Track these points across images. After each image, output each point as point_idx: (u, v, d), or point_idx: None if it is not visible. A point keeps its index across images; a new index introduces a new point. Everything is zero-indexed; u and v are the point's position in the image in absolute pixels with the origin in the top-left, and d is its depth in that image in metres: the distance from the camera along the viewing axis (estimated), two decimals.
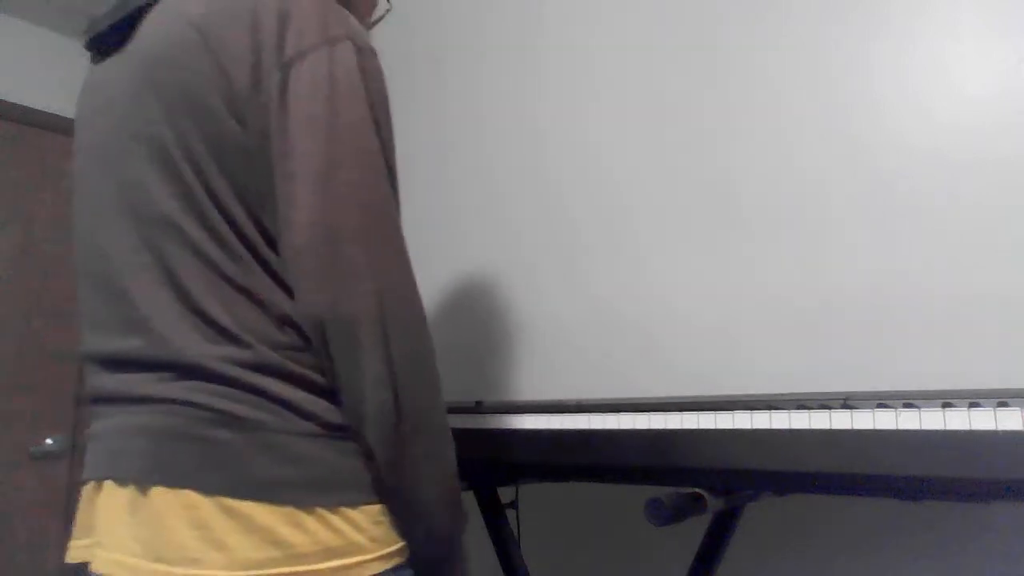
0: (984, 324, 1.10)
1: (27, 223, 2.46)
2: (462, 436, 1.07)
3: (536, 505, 1.59)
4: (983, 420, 0.64)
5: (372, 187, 0.70)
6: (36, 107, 2.50)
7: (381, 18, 1.03)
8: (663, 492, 0.79)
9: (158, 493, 0.65)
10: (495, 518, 1.31)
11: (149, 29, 0.75)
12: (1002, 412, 0.64)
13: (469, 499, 1.34)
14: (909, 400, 0.73)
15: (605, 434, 0.89)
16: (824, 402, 0.77)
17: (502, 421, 1.05)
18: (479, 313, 1.82)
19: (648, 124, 1.56)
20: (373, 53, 0.73)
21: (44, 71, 2.56)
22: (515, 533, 1.33)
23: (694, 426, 0.81)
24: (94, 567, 0.67)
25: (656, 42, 1.57)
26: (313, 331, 0.67)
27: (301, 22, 0.69)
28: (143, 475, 0.66)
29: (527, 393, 1.65)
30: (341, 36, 0.70)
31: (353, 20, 0.75)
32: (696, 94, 1.49)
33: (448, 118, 1.99)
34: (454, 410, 1.14)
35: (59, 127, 2.56)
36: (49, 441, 2.39)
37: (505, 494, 1.34)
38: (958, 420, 0.66)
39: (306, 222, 0.66)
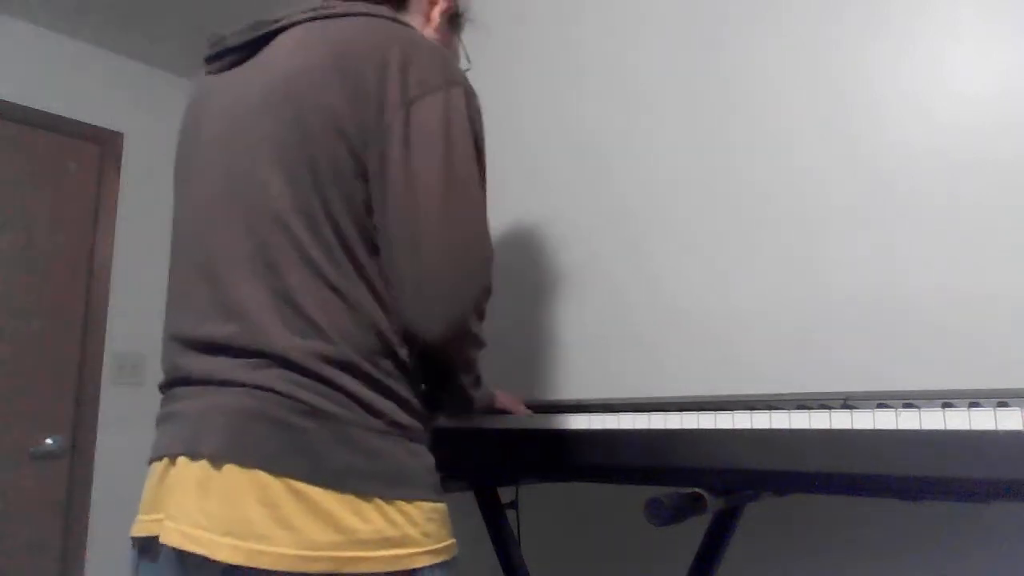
0: (984, 324, 1.10)
1: (27, 223, 2.45)
2: (462, 436, 1.07)
3: (536, 505, 1.59)
4: (983, 420, 0.64)
5: (479, 218, 0.81)
6: (36, 107, 2.50)
7: None
8: (663, 492, 0.79)
9: (230, 470, 0.69)
10: (495, 518, 1.31)
11: (284, 51, 0.83)
12: (1002, 412, 0.64)
13: (469, 499, 1.35)
14: (909, 400, 0.73)
15: (605, 434, 0.89)
16: (824, 402, 0.77)
17: (502, 421, 1.05)
18: None
19: (645, 123, 1.56)
20: (476, 96, 0.85)
21: (44, 71, 2.55)
22: (515, 533, 1.33)
23: (694, 426, 0.81)
24: (163, 539, 0.71)
25: (654, 41, 1.57)
26: (414, 341, 0.78)
27: (423, 66, 0.79)
28: (218, 452, 0.70)
29: (526, 394, 1.65)
30: (455, 81, 0.82)
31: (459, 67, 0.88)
32: (695, 94, 1.49)
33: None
34: None
35: (59, 127, 2.55)
36: (49, 441, 2.39)
37: (505, 494, 1.34)
38: (958, 420, 0.66)
39: (431, 248, 0.76)
